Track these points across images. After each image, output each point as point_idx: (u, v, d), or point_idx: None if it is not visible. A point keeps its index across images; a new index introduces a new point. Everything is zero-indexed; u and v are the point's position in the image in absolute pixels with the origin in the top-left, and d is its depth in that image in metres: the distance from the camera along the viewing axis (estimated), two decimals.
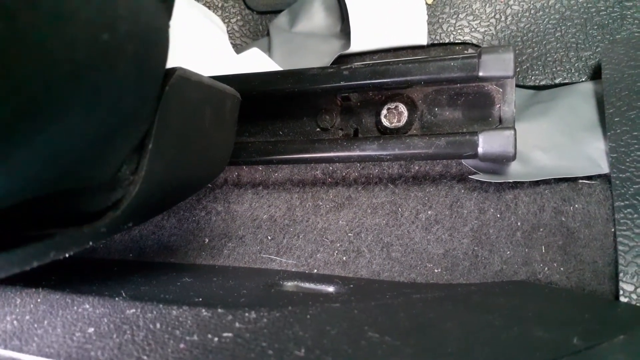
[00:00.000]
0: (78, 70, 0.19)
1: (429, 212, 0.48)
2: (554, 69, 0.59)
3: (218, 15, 0.71)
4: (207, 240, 0.53)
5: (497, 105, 0.47)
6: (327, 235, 0.50)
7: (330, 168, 0.54)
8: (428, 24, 0.63)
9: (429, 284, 0.45)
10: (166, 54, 0.28)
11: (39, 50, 0.17)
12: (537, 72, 0.60)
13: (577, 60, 0.58)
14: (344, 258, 0.49)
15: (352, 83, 0.47)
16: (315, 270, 0.49)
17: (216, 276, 0.46)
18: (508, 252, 0.45)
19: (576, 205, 0.45)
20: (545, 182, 0.47)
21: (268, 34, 0.66)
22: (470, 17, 0.63)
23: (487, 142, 0.43)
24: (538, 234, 0.45)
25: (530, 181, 0.47)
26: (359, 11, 0.60)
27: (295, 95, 0.50)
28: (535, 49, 0.60)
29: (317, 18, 0.64)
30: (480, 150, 0.44)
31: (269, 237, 0.52)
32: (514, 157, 0.43)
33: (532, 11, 0.61)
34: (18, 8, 0.15)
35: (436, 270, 0.46)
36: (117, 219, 0.29)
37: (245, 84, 0.49)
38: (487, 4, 0.63)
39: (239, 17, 0.72)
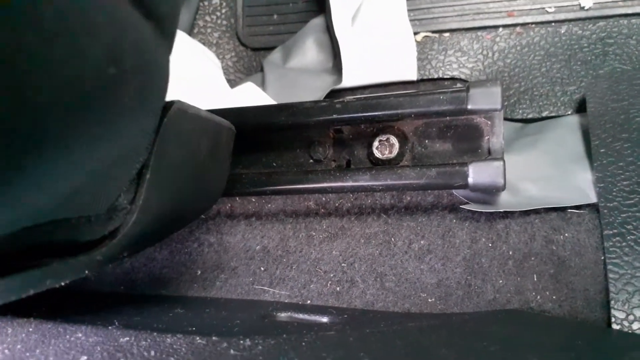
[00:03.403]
0: (84, 102, 0.20)
1: (422, 242, 0.49)
2: (541, 103, 0.61)
3: (213, 52, 0.73)
4: (199, 272, 0.53)
5: (486, 137, 0.49)
6: (320, 266, 0.50)
7: (324, 199, 0.54)
8: (417, 60, 0.65)
9: (423, 314, 0.45)
10: (166, 88, 0.29)
11: (49, 83, 0.17)
12: (524, 105, 0.61)
13: (562, 94, 0.60)
14: (338, 288, 0.49)
15: (345, 116, 0.48)
16: (309, 301, 0.49)
17: (209, 307, 0.45)
18: (501, 281, 0.45)
19: (566, 234, 0.46)
20: (535, 211, 0.48)
21: (262, 70, 0.68)
22: (459, 54, 0.65)
23: (477, 173, 0.44)
24: (530, 262, 0.45)
25: (520, 211, 0.48)
26: (350, 48, 0.62)
27: (289, 127, 0.50)
28: (522, 83, 0.62)
29: (309, 54, 0.66)
30: (470, 180, 0.44)
31: (262, 269, 0.52)
32: (503, 187, 0.44)
33: (518, 48, 0.63)
34: (35, 45, 0.16)
35: (430, 300, 0.46)
36: (114, 248, 0.29)
37: (240, 117, 0.50)
38: (475, 41, 0.65)
39: (233, 54, 0.74)
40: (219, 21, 0.74)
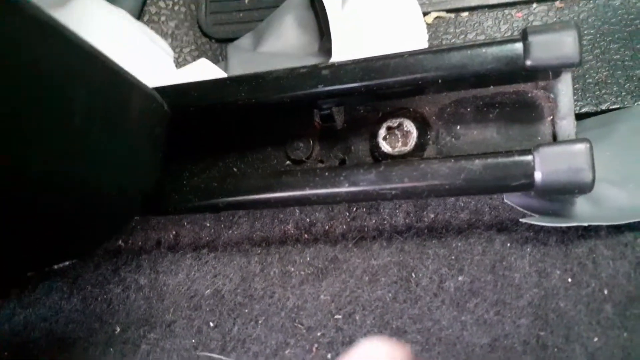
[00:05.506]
0: None
1: (460, 279, 0.32)
2: (597, 93, 0.46)
3: (168, 44, 0.58)
4: (118, 329, 0.36)
5: (548, 118, 0.33)
6: (301, 319, 0.34)
7: (307, 220, 0.38)
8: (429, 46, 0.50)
9: None
10: None
11: None
12: (575, 97, 0.47)
13: (626, 80, 0.46)
14: (329, 356, 0.32)
15: (336, 87, 0.32)
16: None
17: None
18: (595, 339, 0.28)
19: None
20: (633, 227, 0.32)
21: (226, 58, 0.52)
22: (482, 37, 0.51)
23: (549, 163, 0.28)
24: None
25: (609, 226, 0.32)
26: (342, 22, 0.47)
27: (254, 111, 0.35)
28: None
29: (288, 36, 0.51)
30: (538, 175, 0.28)
31: (211, 324, 0.36)
32: (591, 185, 0.28)
33: None
34: None
35: None
36: None
37: (180, 97, 0.34)
38: (502, 21, 0.52)
39: (193, 47, 0.59)
40: (175, 7, 0.60)
